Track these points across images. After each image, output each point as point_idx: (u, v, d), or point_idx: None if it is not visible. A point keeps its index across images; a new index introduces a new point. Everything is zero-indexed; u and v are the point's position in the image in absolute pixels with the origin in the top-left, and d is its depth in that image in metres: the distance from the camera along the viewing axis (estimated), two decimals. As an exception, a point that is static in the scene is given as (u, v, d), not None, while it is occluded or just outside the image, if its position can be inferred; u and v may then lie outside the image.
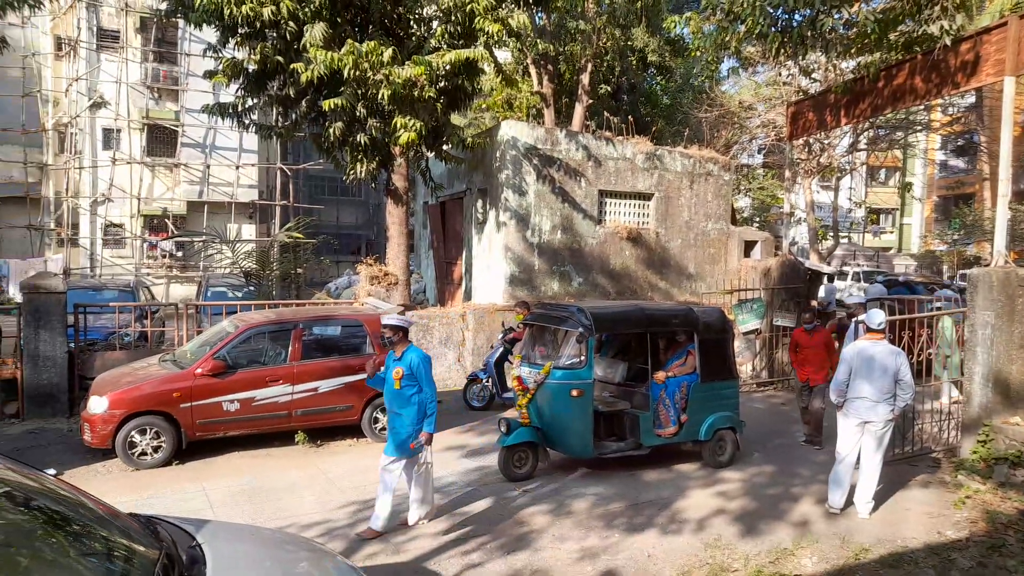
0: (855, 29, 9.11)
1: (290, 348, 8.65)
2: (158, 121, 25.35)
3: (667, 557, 5.69)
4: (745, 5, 8.29)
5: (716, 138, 23.38)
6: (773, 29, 8.90)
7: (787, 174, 30.74)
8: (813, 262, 23.82)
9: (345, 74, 10.57)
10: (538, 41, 17.68)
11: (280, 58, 11.34)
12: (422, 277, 19.20)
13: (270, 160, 28.00)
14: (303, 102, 12.49)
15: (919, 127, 28.95)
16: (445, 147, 13.24)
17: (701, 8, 9.24)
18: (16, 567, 2.70)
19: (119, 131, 24.87)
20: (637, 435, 7.78)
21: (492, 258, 14.33)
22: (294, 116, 13.16)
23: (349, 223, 37.88)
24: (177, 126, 25.59)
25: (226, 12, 10.62)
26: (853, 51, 9.90)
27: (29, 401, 9.78)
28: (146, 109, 25.13)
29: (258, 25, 11.04)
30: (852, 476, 6.70)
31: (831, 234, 31.65)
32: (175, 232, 25.28)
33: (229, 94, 13.60)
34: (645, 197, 15.38)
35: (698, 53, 10.34)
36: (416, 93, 11.13)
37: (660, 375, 7.88)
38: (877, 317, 6.69)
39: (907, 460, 8.13)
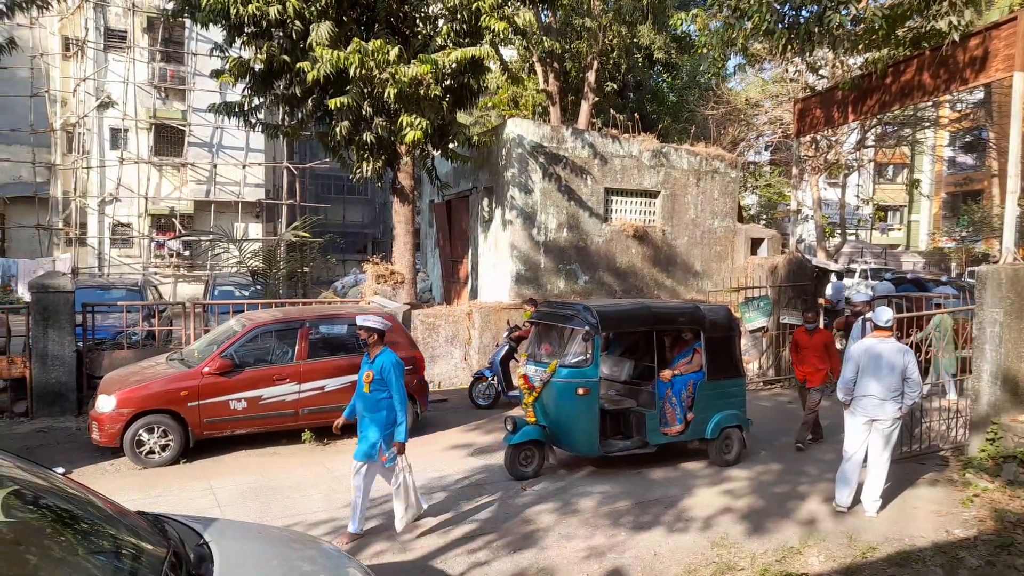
0: (863, 25, 9.07)
1: (297, 347, 8.67)
2: (165, 121, 25.45)
3: (673, 555, 5.69)
4: (752, 1, 8.28)
5: (723, 135, 23.33)
6: (780, 25, 8.88)
7: (794, 171, 30.55)
8: (820, 259, 23.72)
9: (351, 73, 10.58)
10: (544, 39, 17.68)
11: (286, 57, 11.36)
12: (428, 275, 19.22)
13: (276, 159, 28.08)
14: (309, 101, 12.51)
15: (927, 123, 28.75)
16: (451, 145, 13.25)
17: (708, 5, 9.23)
18: (26, 565, 2.72)
19: (126, 131, 24.98)
20: (643, 433, 7.77)
21: (498, 256, 14.33)
22: (300, 115, 13.19)
23: (355, 222, 37.97)
24: (184, 125, 25.69)
25: (232, 11, 10.65)
26: (860, 47, 9.86)
27: (38, 400, 9.84)
28: (153, 109, 25.24)
29: (264, 24, 11.06)
30: (859, 474, 6.67)
31: (838, 231, 31.51)
32: (182, 231, 25.37)
33: (236, 93, 13.66)
34: (651, 195, 15.35)
35: (704, 50, 10.32)
36: (422, 91, 11.14)
37: (666, 373, 7.87)
38: (885, 315, 6.65)
39: (915, 458, 8.10)
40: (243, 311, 10.54)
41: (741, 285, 13.54)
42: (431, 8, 12.86)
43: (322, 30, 10.62)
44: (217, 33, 12.52)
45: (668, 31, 19.86)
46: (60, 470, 3.61)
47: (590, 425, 7.39)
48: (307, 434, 8.76)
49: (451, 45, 11.60)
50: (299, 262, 19.86)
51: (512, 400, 10.59)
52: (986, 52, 8.47)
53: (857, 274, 26.96)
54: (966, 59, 8.69)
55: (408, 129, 11.19)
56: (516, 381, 8.70)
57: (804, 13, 9.10)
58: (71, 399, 9.97)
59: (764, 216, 35.57)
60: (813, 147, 25.46)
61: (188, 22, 21.83)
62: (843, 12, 8.48)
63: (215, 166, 26.18)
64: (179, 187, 25.89)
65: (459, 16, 11.49)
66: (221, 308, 12.28)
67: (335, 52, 10.43)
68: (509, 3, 11.79)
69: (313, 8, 10.83)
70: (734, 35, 9.15)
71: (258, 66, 11.93)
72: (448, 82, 11.93)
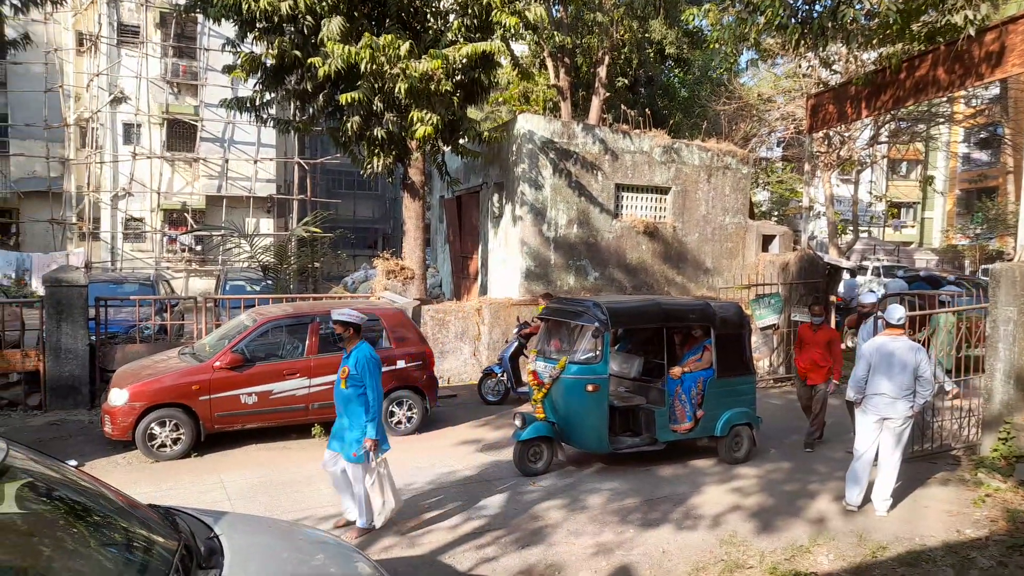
0: (876, 20, 8.98)
1: (307, 342, 8.70)
2: (177, 116, 25.58)
3: (682, 553, 5.68)
4: (764, -4, 8.21)
5: (734, 131, 23.21)
6: (793, 20, 8.81)
7: (806, 167, 30.45)
8: (832, 257, 23.58)
9: (362, 68, 10.60)
10: (555, 34, 17.62)
11: (298, 52, 11.38)
12: (438, 271, 19.25)
13: (288, 154, 28.17)
14: (320, 96, 12.54)
15: (941, 119, 28.52)
16: (461, 141, 13.25)
17: None
18: (39, 556, 2.75)
19: (139, 126, 25.13)
20: (652, 430, 7.76)
21: (508, 252, 14.33)
22: (311, 110, 13.22)
23: (366, 217, 38.04)
24: (196, 121, 25.81)
25: (244, 6, 10.68)
26: (874, 42, 9.76)
27: (51, 393, 9.93)
28: (166, 104, 25.37)
29: (276, 19, 11.09)
30: (870, 473, 6.63)
31: (851, 228, 31.32)
32: (194, 226, 25.51)
33: (247, 89, 13.68)
34: (662, 191, 15.30)
35: (716, 45, 10.24)
36: (433, 87, 11.14)
37: (676, 370, 7.85)
38: (897, 312, 6.61)
39: (926, 457, 8.04)
40: (254, 306, 10.59)
41: (752, 282, 13.48)
42: (442, 3, 12.84)
43: (333, 25, 10.64)
44: (229, 28, 12.57)
45: (680, 26, 19.77)
46: (73, 463, 3.65)
47: (599, 422, 7.39)
48: (317, 429, 8.79)
49: (462, 40, 11.59)
50: (310, 257, 19.91)
51: (521, 396, 10.60)
52: (1002, 47, 8.37)
53: (869, 271, 26.76)
54: (982, 54, 8.59)
55: (419, 124, 11.19)
56: (525, 377, 8.70)
57: (817, 8, 9.03)
58: (84, 392, 10.05)
59: (776, 213, 35.38)
60: (826, 143, 25.32)
61: (200, 17, 21.90)
62: (857, 7, 8.41)
63: (227, 161, 26.30)
64: (191, 182, 26.03)
65: (470, 11, 11.48)
66: (232, 303, 12.34)
67: (346, 47, 10.44)
68: (520, -2, 11.77)
69: (324, 3, 10.85)
70: (746, 30, 9.09)
71: (269, 61, 11.97)
72: (459, 77, 11.92)
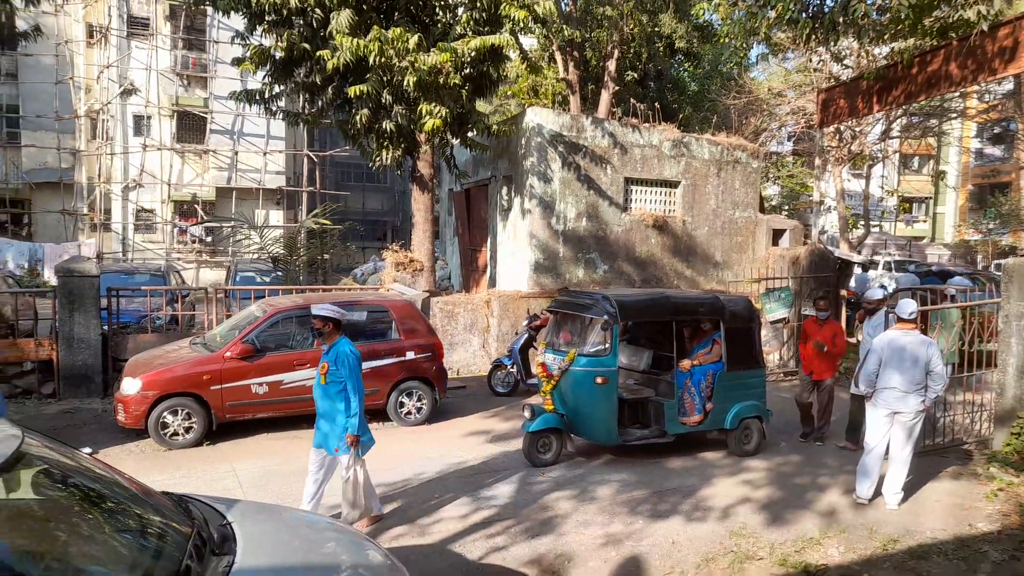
0: (888, 15, 8.91)
1: (317, 333, 8.73)
2: (187, 108, 25.64)
3: (691, 544, 5.69)
4: (776, -11, 8.16)
5: (744, 125, 23.08)
6: (804, 15, 8.75)
7: (817, 162, 30.26)
8: (843, 251, 23.47)
9: (371, 61, 10.59)
10: (564, 27, 17.56)
11: (307, 45, 11.39)
12: (447, 263, 19.27)
13: (297, 147, 28.21)
14: (329, 89, 12.54)
15: (954, 114, 28.27)
16: (470, 134, 13.23)
17: (730, -8, 9.10)
18: (55, 541, 2.78)
19: (149, 118, 25.19)
20: (662, 423, 7.76)
21: (517, 245, 14.33)
22: (320, 103, 13.23)
23: (375, 209, 38.08)
24: (206, 113, 25.87)
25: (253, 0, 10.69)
26: (886, 37, 9.68)
27: (64, 382, 10.02)
28: (175, 96, 25.42)
29: (285, 12, 11.10)
30: (881, 467, 6.62)
31: (862, 223, 31.11)
32: (204, 217, 25.60)
33: (257, 81, 13.69)
34: (672, 184, 15.25)
35: (727, 39, 10.19)
36: (441, 80, 11.13)
37: (686, 363, 7.84)
38: (908, 307, 6.58)
39: (938, 451, 8.01)
40: (264, 297, 10.64)
41: (762, 276, 13.43)
42: (451, -4, 12.82)
43: (342, 18, 10.63)
44: (238, 21, 12.58)
45: (690, 20, 19.65)
46: (87, 450, 3.69)
47: (608, 414, 7.40)
48: (327, 419, 8.82)
49: (470, 33, 11.57)
50: (319, 249, 19.99)
51: (530, 388, 10.62)
52: (1016, 42, 8.28)
53: (880, 266, 26.61)
54: (995, 49, 8.50)
55: (427, 117, 11.19)
56: (535, 369, 8.71)
57: (829, 2, 8.96)
58: (97, 381, 10.14)
59: (786, 207, 35.19)
60: (837, 137, 25.14)
61: (210, 10, 21.96)
62: (868, 1, 8.33)
63: (236, 153, 26.35)
64: (201, 174, 26.10)
65: (479, 4, 11.45)
66: (243, 293, 12.40)
67: (355, 40, 10.43)
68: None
69: (334, -4, 10.84)
70: (757, 24, 9.03)
71: (279, 54, 11.98)
72: (467, 70, 11.90)
